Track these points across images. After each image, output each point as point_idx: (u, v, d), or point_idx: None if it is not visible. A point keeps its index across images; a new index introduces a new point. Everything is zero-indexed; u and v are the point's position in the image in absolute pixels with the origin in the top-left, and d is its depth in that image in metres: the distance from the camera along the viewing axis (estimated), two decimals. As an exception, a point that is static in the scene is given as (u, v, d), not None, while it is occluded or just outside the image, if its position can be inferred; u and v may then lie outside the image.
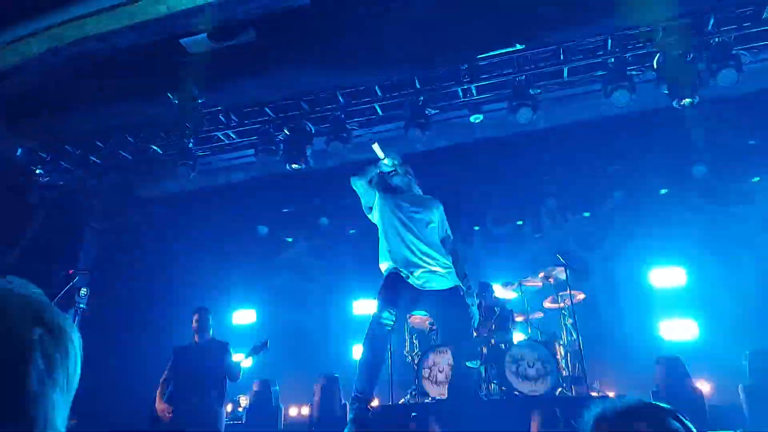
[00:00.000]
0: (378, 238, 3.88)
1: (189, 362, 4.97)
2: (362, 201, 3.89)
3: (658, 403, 1.29)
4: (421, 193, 4.13)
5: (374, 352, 3.45)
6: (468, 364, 3.51)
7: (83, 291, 6.20)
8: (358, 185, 3.82)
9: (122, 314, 7.06)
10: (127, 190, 7.88)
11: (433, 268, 3.61)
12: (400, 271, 3.57)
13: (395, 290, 3.54)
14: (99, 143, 7.08)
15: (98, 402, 6.39)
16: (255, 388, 7.18)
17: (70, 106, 5.92)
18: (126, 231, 7.45)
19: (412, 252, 3.62)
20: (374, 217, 3.88)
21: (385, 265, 3.74)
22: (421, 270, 3.57)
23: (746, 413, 5.64)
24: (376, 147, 3.82)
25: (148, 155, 7.22)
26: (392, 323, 3.41)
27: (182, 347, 5.15)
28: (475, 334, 3.99)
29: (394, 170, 3.96)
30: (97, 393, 6.39)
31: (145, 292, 7.50)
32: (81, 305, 4.53)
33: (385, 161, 3.89)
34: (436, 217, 3.89)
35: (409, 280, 3.55)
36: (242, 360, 5.10)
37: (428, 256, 3.63)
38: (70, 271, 3.89)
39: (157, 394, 4.87)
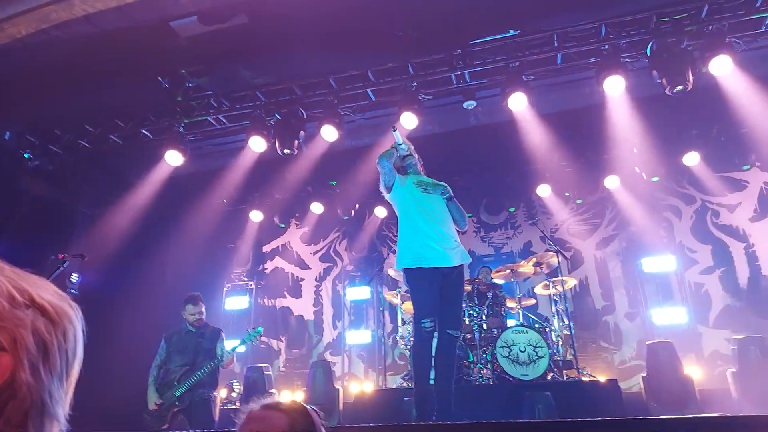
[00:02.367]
0: (399, 220, 4.23)
1: (181, 348, 4.97)
2: (383, 180, 4.18)
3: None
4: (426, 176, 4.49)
5: (423, 353, 3.84)
6: (450, 332, 3.86)
7: (74, 277, 6.17)
8: (385, 165, 4.11)
9: (114, 300, 7.02)
10: (117, 175, 7.81)
11: (448, 244, 3.98)
12: (423, 260, 3.88)
13: (426, 292, 3.88)
14: (89, 127, 7.00)
15: (88, 388, 6.40)
16: (248, 373, 7.20)
17: (58, 90, 5.83)
18: (117, 215, 7.38)
19: (431, 228, 3.99)
20: (394, 196, 4.20)
21: (406, 250, 4.02)
22: (438, 246, 3.93)
23: (734, 397, 5.73)
24: (396, 133, 4.11)
25: (138, 139, 7.14)
26: (433, 325, 3.81)
27: (174, 332, 5.13)
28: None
29: (409, 153, 4.31)
30: (87, 379, 6.40)
31: (137, 278, 7.46)
32: (72, 291, 4.51)
33: (403, 145, 4.20)
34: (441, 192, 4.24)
35: (430, 258, 3.87)
36: (236, 346, 5.09)
37: (444, 232, 4.02)
38: (60, 256, 3.86)
39: (149, 380, 4.87)
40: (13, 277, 0.74)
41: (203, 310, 5.15)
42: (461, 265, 4.06)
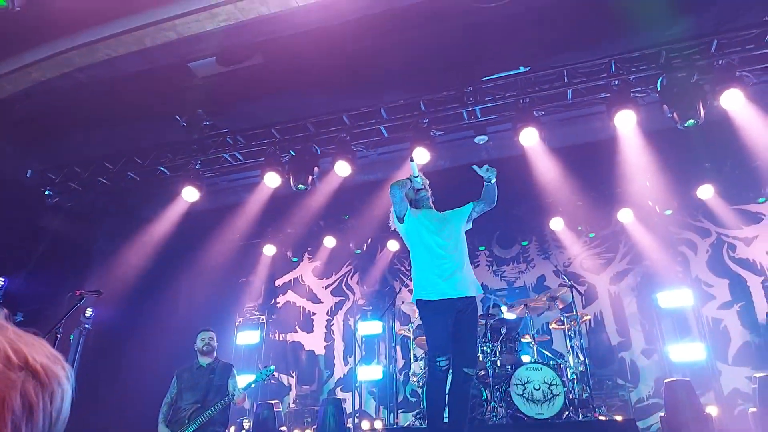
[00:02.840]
0: (411, 252, 4.24)
1: (192, 385, 4.94)
2: (395, 210, 4.18)
3: None
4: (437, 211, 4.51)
5: (438, 391, 3.79)
6: (465, 370, 3.80)
7: (89, 312, 6.21)
8: (396, 193, 4.11)
9: (127, 334, 7.05)
10: (134, 211, 7.94)
11: (460, 276, 3.96)
12: (436, 292, 3.87)
13: (440, 326, 3.85)
14: (108, 164, 7.16)
15: (101, 422, 6.36)
16: (258, 410, 7.12)
17: (79, 128, 6.00)
18: (133, 251, 7.47)
19: (444, 259, 3.98)
20: (404, 228, 4.20)
21: (419, 282, 4.03)
22: (450, 278, 3.92)
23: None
24: (414, 164, 4.14)
25: (155, 176, 7.28)
26: (448, 363, 3.77)
27: (185, 369, 5.11)
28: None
29: (423, 187, 4.32)
30: (99, 413, 6.36)
31: (150, 313, 7.50)
32: (86, 326, 4.54)
33: (418, 178, 4.21)
34: (457, 223, 4.28)
35: (442, 289, 3.86)
36: (249, 384, 5.06)
37: (456, 263, 4.00)
38: (78, 292, 3.90)
39: (159, 417, 4.83)
40: (13, 338, 0.79)
41: (214, 337, 5.16)
42: (474, 298, 4.03)
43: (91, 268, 7.28)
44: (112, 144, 6.82)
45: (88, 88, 5.22)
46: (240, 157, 7.15)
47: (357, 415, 8.91)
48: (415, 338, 7.08)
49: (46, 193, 6.84)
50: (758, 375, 5.93)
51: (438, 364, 3.76)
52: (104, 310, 6.62)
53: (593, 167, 7.68)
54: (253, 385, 5.17)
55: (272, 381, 9.58)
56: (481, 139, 7.10)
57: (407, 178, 4.23)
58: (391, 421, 8.20)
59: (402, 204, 4.13)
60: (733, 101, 5.65)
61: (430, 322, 3.93)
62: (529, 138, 6.16)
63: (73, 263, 7.00)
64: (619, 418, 6.07)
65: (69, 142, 6.56)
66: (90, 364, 5.05)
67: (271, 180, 6.80)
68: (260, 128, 6.81)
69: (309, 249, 10.26)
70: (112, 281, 6.99)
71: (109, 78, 5.07)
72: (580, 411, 5.98)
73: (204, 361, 5.07)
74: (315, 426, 7.23)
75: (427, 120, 6.44)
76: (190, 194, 6.93)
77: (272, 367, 5.37)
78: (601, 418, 5.99)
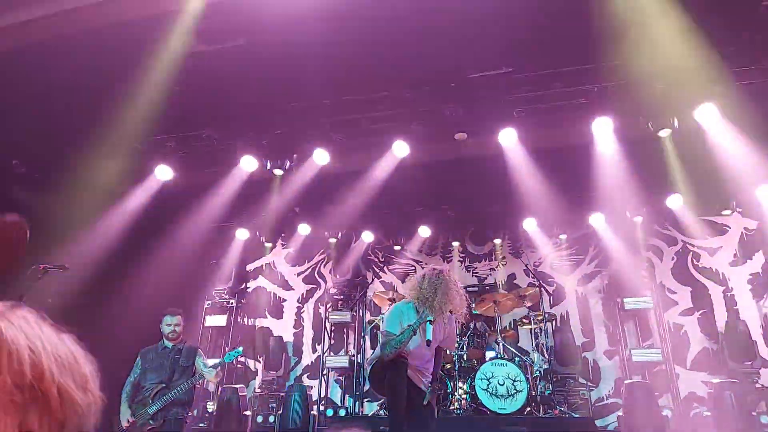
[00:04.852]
0: None
1: (158, 365, 4.89)
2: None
3: None
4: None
5: (399, 383, 3.73)
6: None
7: (52, 286, 6.07)
8: (387, 355, 3.90)
9: (92, 311, 6.91)
10: (105, 186, 7.74)
11: (426, 381, 4.03)
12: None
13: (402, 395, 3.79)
14: (78, 136, 6.97)
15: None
16: (222, 394, 7.09)
17: (50, 97, 5.83)
18: (102, 227, 7.30)
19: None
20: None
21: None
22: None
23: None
24: (430, 318, 3.78)
25: (128, 152, 7.12)
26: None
27: (150, 349, 5.06)
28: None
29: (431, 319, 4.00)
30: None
31: (117, 290, 7.36)
32: (49, 300, 4.44)
33: (429, 319, 3.85)
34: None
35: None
36: (216, 365, 5.02)
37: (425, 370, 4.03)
38: (42, 266, 3.81)
39: (122, 397, 4.78)
40: (38, 346, 0.68)
41: (181, 323, 5.12)
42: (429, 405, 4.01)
43: (57, 241, 7.09)
44: (83, 115, 6.63)
45: (64, 57, 5.07)
46: (216, 138, 7.03)
47: (323, 402, 8.94)
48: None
49: (14, 162, 6.64)
50: (714, 381, 6.15)
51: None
52: (70, 285, 6.48)
53: (569, 170, 7.80)
54: (219, 368, 5.15)
55: (239, 365, 9.54)
56: (460, 136, 7.14)
57: (409, 327, 3.85)
58: (356, 410, 8.26)
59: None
60: (707, 115, 5.80)
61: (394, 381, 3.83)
62: (508, 138, 6.22)
63: (39, 236, 6.81)
64: (578, 415, 6.23)
65: (40, 111, 6.37)
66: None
67: (248, 163, 6.73)
68: (239, 109, 6.71)
69: (283, 235, 10.19)
70: (80, 256, 6.83)
71: (86, 46, 4.94)
72: (541, 407, 6.12)
73: (170, 343, 5.03)
74: (280, 411, 7.23)
75: (408, 113, 6.44)
76: (163, 172, 6.82)
77: (240, 349, 5.35)
78: (561, 415, 6.14)
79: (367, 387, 8.67)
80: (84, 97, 5.95)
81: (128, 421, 4.65)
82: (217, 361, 5.09)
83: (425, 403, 3.91)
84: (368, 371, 4.10)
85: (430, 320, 3.70)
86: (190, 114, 6.67)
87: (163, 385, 4.77)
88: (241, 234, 9.42)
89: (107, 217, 7.34)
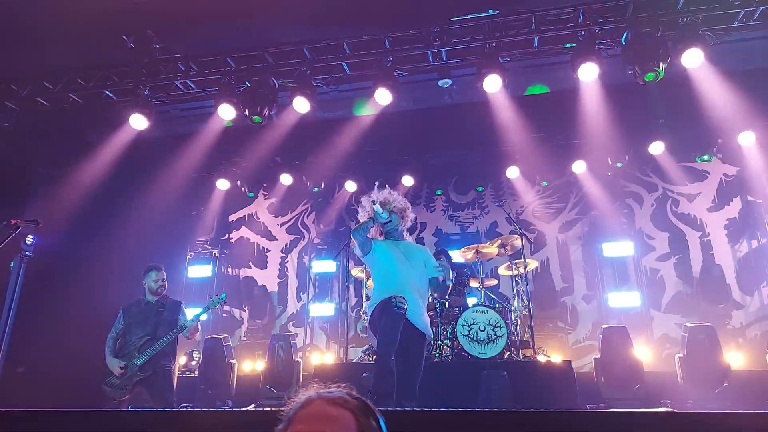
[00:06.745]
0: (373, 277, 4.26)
1: (142, 319, 4.88)
2: (360, 249, 4.19)
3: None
4: (411, 240, 4.51)
5: (387, 382, 3.61)
6: (404, 402, 3.68)
7: (29, 239, 5.96)
8: (358, 238, 4.12)
9: (71, 265, 6.83)
10: (78, 136, 7.50)
11: (417, 311, 3.99)
12: (392, 299, 3.83)
13: (394, 328, 3.76)
14: (47, 84, 6.68)
15: (44, 350, 6.26)
16: (207, 344, 7.16)
17: (15, 44, 5.53)
18: (77, 178, 7.12)
19: (406, 284, 4.00)
20: (369, 259, 4.21)
21: (378, 295, 4.00)
22: (409, 301, 3.89)
23: (680, 381, 6.02)
24: (377, 206, 4.05)
25: (101, 100, 6.86)
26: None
27: (133, 303, 5.04)
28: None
29: (389, 220, 4.23)
30: (42, 342, 6.24)
31: (96, 243, 7.26)
32: (27, 253, 4.35)
33: (383, 214, 4.14)
34: (423, 261, 4.25)
35: (396, 306, 3.80)
36: (200, 313, 5.03)
37: (417, 292, 4.05)
38: (13, 222, 3.71)
39: (106, 351, 4.78)
40: None
41: (165, 277, 5.10)
42: (425, 336, 4.02)
43: (31, 194, 6.92)
44: (53, 62, 6.33)
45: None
46: (192, 86, 6.79)
47: (308, 348, 9.11)
48: (367, 278, 7.18)
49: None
50: (689, 324, 6.36)
51: (396, 305, 3.77)
52: (47, 238, 6.37)
53: (553, 117, 7.74)
54: (205, 315, 5.16)
55: (224, 314, 9.62)
56: (445, 82, 6.99)
57: (369, 219, 4.17)
58: (341, 356, 8.43)
59: (365, 245, 4.15)
60: (693, 60, 5.71)
61: (389, 321, 3.79)
62: (493, 84, 6.10)
63: (12, 189, 6.62)
64: (556, 358, 6.43)
65: (5, 58, 6.06)
66: (32, 294, 4.88)
67: (225, 111, 6.53)
68: (215, 55, 6.45)
69: (265, 185, 10.06)
70: (56, 210, 6.68)
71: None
72: (521, 351, 6.30)
73: (152, 297, 5.01)
74: (266, 359, 7.36)
75: (391, 59, 6.25)
76: (138, 121, 6.59)
77: (223, 295, 5.35)
78: (539, 358, 6.33)
79: (351, 334, 8.82)
80: (53, 42, 5.66)
81: (120, 368, 4.67)
82: (200, 309, 5.09)
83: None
84: (368, 318, 4.14)
85: (378, 212, 4.06)
86: (164, 60, 6.40)
87: (149, 337, 4.79)
88: (222, 184, 9.26)
89: (82, 169, 7.14)
